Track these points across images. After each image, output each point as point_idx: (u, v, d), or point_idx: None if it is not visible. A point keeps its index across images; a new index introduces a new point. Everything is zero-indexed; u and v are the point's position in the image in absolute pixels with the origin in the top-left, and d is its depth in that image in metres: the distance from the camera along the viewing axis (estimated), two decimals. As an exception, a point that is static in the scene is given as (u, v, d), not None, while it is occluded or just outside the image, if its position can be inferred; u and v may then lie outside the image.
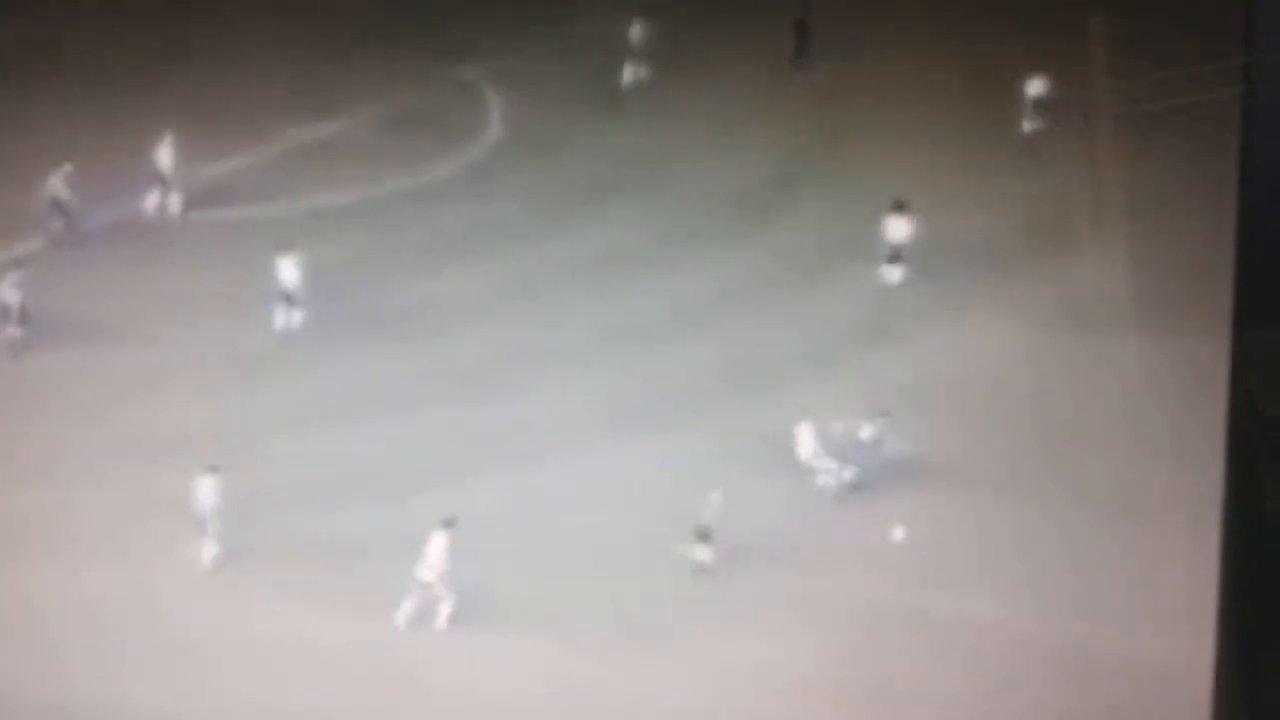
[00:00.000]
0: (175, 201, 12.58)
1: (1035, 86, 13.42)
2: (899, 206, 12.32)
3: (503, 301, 11.81)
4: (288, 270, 11.35)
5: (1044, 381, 10.64)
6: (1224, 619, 8.87)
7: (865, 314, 11.34)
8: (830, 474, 9.92)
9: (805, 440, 10.29)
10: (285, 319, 11.24)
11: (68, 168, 11.92)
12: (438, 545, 8.72)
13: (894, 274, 12.27)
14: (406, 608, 8.60)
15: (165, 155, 12.58)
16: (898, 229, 12.43)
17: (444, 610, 8.68)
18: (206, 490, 8.92)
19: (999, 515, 9.33)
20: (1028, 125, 14.04)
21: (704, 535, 9.72)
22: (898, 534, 9.67)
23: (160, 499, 9.07)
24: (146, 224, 12.17)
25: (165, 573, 8.73)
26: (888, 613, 8.58)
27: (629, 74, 14.68)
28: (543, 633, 8.45)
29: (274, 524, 9.04)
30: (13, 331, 10.87)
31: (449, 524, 8.74)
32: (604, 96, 14.42)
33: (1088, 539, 9.26)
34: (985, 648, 8.65)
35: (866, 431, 10.24)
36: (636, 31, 14.64)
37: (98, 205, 11.88)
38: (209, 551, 8.92)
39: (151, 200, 12.55)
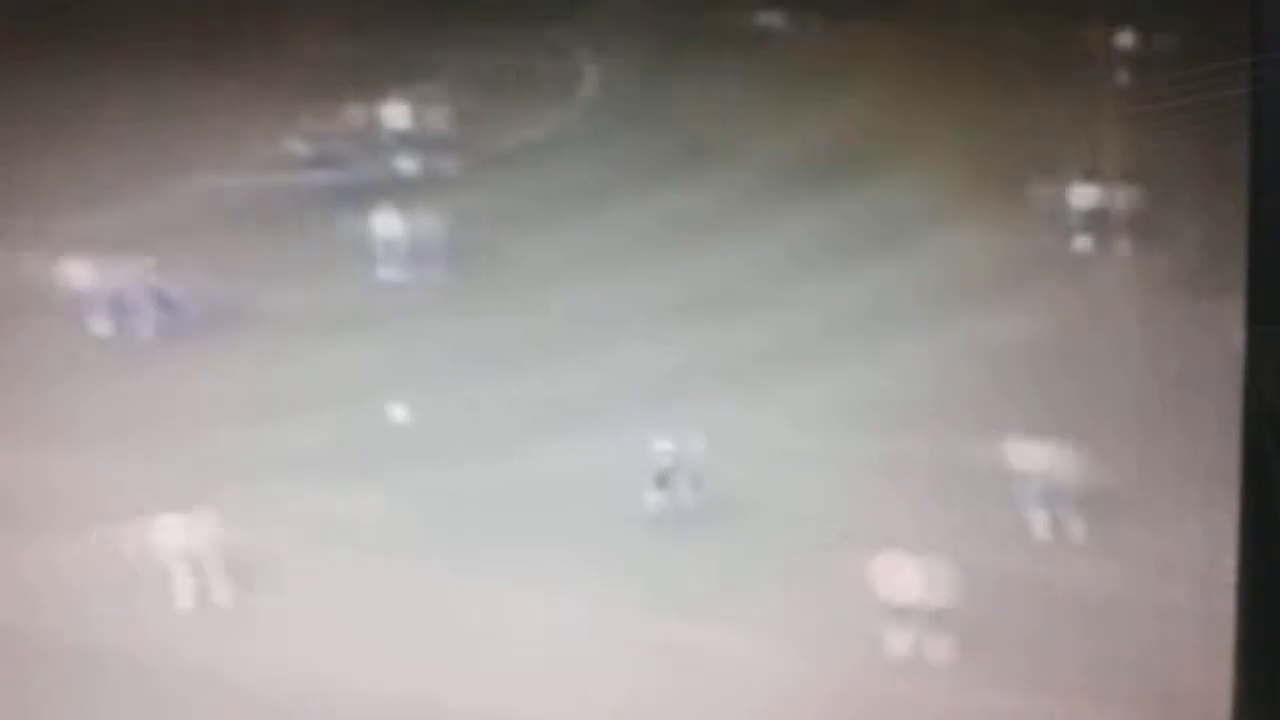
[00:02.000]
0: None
1: None
2: (1090, 174, 12.07)
3: (579, 264, 12.03)
4: (389, 223, 11.56)
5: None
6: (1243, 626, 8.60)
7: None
8: None
9: None
10: (389, 272, 11.44)
11: None
12: None
13: (1085, 244, 12.04)
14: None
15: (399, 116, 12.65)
16: (1085, 197, 12.18)
17: None
18: None
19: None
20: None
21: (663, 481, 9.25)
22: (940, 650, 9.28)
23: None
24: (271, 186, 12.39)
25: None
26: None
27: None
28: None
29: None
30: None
31: None
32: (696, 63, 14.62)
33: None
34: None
35: None
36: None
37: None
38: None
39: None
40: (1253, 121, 10.28)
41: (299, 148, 12.17)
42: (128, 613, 6.50)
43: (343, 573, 7.67)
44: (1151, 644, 7.11)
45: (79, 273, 8.99)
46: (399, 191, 10.93)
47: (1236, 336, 9.00)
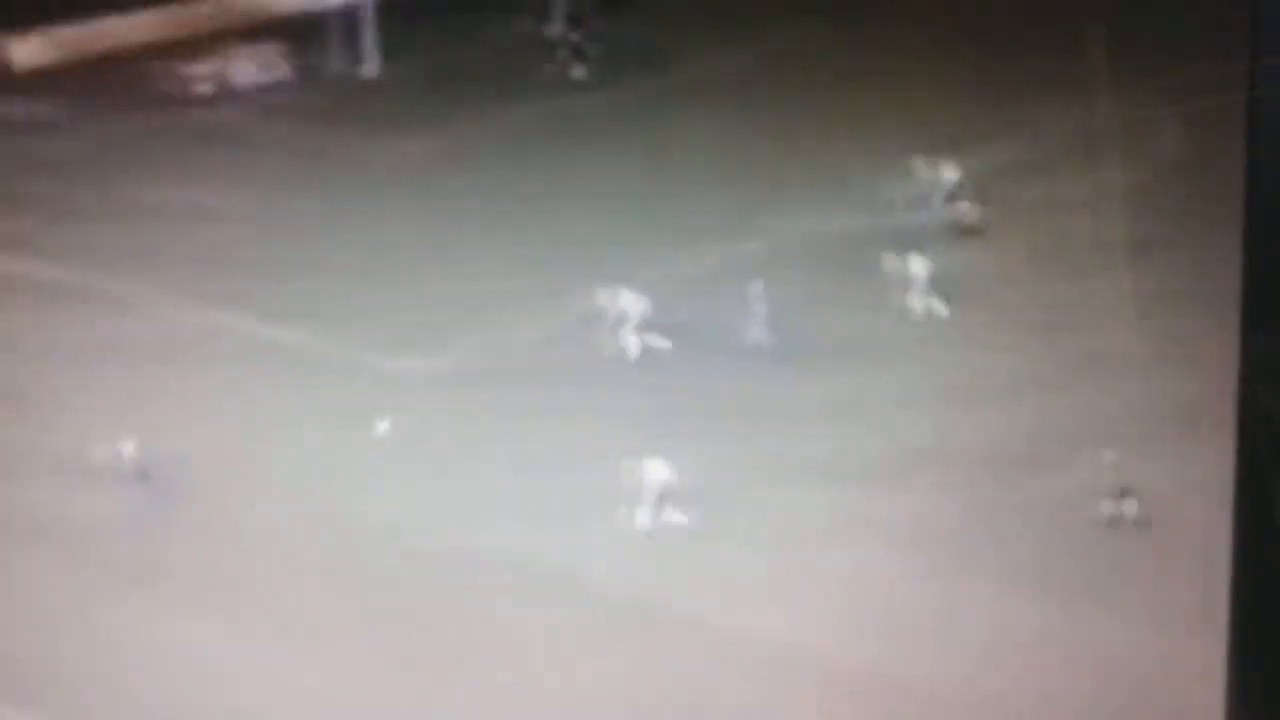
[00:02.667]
0: None
1: None
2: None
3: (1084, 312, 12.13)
4: (921, 263, 11.82)
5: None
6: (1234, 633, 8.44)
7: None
8: None
9: None
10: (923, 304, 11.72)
11: None
12: None
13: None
14: None
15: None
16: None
17: None
18: None
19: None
20: None
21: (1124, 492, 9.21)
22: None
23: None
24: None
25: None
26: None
27: None
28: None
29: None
30: None
31: None
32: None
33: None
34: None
35: None
36: None
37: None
38: None
39: None
40: (1251, 124, 10.19)
41: (871, 195, 12.51)
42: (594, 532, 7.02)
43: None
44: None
45: (634, 299, 9.32)
46: (937, 236, 11.35)
47: (1233, 340, 8.89)
